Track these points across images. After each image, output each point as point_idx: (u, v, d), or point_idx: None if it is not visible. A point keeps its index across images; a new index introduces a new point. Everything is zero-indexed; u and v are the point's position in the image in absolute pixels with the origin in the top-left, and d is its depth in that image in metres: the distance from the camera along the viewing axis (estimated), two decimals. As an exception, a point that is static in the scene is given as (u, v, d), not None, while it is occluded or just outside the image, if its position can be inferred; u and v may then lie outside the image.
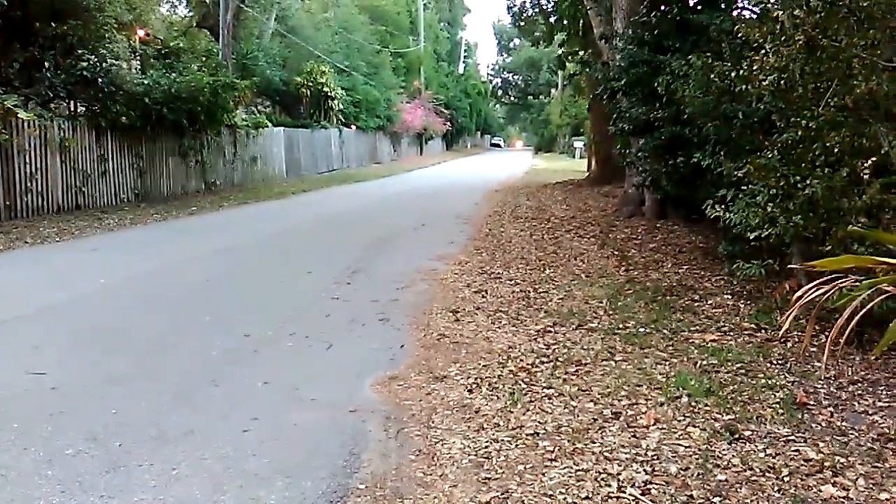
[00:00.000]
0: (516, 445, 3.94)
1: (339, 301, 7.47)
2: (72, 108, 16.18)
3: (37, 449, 3.88)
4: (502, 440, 4.00)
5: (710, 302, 7.21)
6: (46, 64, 15.04)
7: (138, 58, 19.61)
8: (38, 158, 14.14)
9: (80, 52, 15.25)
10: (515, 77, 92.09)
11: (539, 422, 4.25)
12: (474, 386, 4.88)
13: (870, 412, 4.43)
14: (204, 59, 21.80)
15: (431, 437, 4.05)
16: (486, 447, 3.91)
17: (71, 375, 5.13)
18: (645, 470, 3.64)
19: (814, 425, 4.22)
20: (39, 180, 14.20)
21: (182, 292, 8.00)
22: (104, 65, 15.73)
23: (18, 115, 13.39)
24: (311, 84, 30.53)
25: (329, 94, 31.47)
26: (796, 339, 5.78)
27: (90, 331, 6.36)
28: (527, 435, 4.06)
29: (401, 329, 6.38)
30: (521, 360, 5.40)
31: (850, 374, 5.08)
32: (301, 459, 3.80)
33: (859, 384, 4.90)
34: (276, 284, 8.43)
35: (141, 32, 20.76)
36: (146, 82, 16.99)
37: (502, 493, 3.45)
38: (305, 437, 4.09)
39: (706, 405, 4.48)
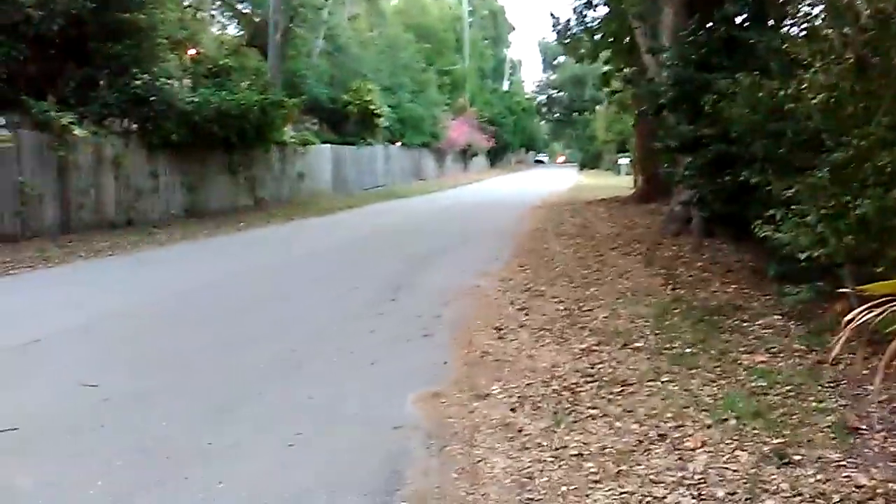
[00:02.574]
0: (560, 466, 3.91)
1: (384, 317, 7.52)
2: (125, 126, 16.58)
3: (88, 460, 3.97)
4: (545, 460, 3.97)
5: (759, 322, 7.07)
6: (101, 82, 15.45)
7: (189, 76, 20.04)
8: (92, 174, 14.54)
9: (133, 70, 15.65)
10: (560, 93, 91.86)
11: (583, 443, 4.21)
12: (517, 405, 4.86)
13: (925, 438, 4.31)
14: (253, 77, 22.23)
15: (474, 456, 4.04)
16: (529, 467, 3.89)
17: (122, 388, 5.23)
18: (692, 494, 3.58)
19: (866, 450, 4.12)
20: (93, 196, 14.60)
21: (229, 306, 8.13)
22: (156, 83, 16.11)
23: (74, 133, 13.79)
24: (357, 102, 30.89)
25: (375, 111, 31.79)
26: (848, 362, 5.63)
27: (141, 344, 6.50)
28: (570, 456, 4.03)
29: (444, 345, 6.39)
30: (566, 380, 5.37)
31: (904, 398, 4.95)
32: (344, 475, 3.82)
33: (913, 409, 4.77)
34: (321, 300, 8.52)
35: (192, 51, 21.24)
36: (197, 100, 17.34)
37: (545, 514, 3.43)
38: (349, 453, 4.11)
39: (755, 428, 4.39)
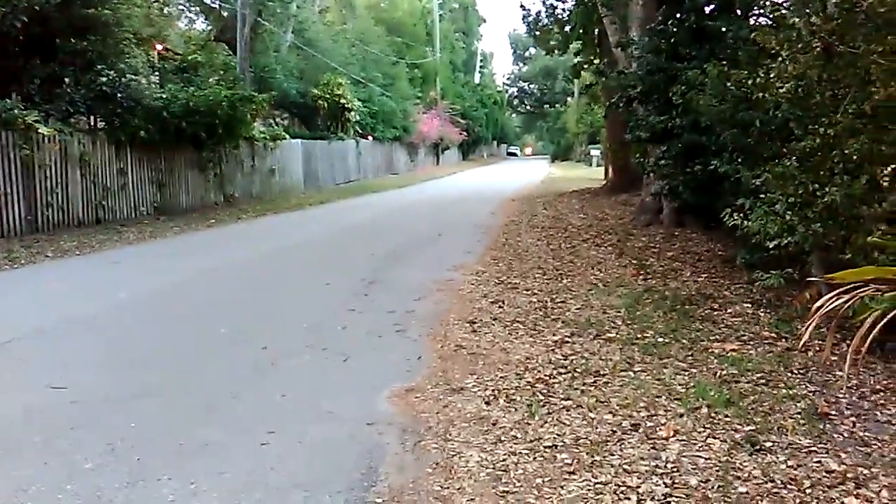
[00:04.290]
0: (534, 458, 3.91)
1: (356, 313, 7.48)
2: (91, 123, 16.35)
3: (57, 463, 3.90)
4: (520, 453, 3.98)
5: (729, 310, 7.15)
6: (66, 79, 15.20)
7: (157, 72, 19.79)
8: (58, 173, 14.30)
9: (99, 67, 15.42)
10: (531, 86, 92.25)
11: (557, 434, 4.22)
12: (491, 398, 4.86)
13: (893, 422, 4.36)
14: (222, 72, 22.01)
15: (448, 450, 4.04)
16: (504, 460, 3.89)
17: (91, 389, 5.16)
18: (665, 482, 3.60)
19: (836, 436, 4.17)
20: (60, 194, 14.36)
21: (201, 305, 8.05)
22: (123, 79, 15.89)
23: (39, 131, 13.55)
24: (328, 96, 30.72)
25: (346, 105, 31.65)
26: (817, 349, 5.71)
27: (110, 344, 6.41)
28: (545, 447, 4.04)
29: (417, 340, 6.37)
30: (539, 372, 5.38)
31: (872, 383, 5.02)
32: (319, 473, 3.79)
33: (882, 393, 4.83)
34: (293, 296, 8.46)
35: (159, 47, 20.97)
36: (165, 96, 17.14)
37: (520, 507, 3.43)
38: (323, 451, 4.09)
39: (726, 416, 4.43)
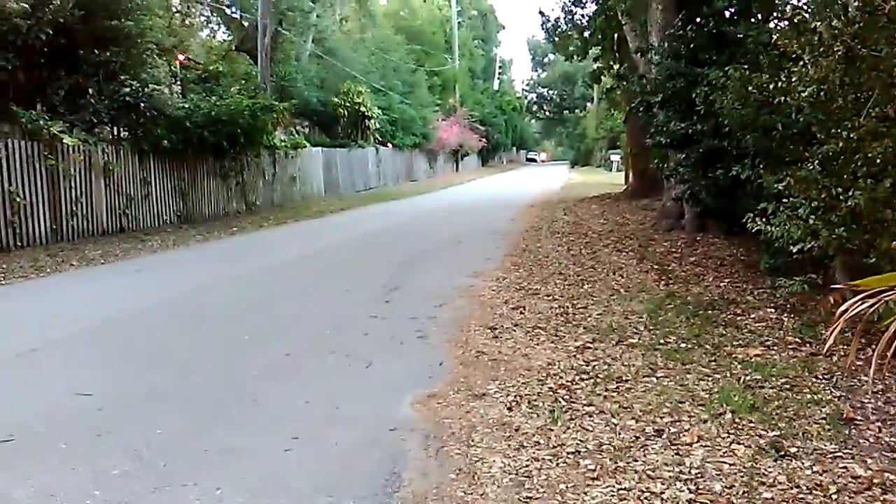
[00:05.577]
0: (557, 464, 3.91)
1: (378, 319, 7.51)
2: (115, 133, 16.52)
3: (84, 469, 3.95)
4: (543, 458, 3.98)
5: (752, 315, 7.10)
6: (90, 90, 15.36)
7: (179, 82, 19.97)
8: (83, 182, 14.47)
9: (122, 77, 15.58)
10: (550, 92, 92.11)
11: (580, 440, 4.22)
12: (514, 403, 4.86)
13: (920, 428, 4.32)
14: (243, 82, 22.20)
15: (471, 456, 4.05)
16: (527, 466, 3.90)
17: (116, 396, 5.22)
18: (689, 488, 3.59)
19: (861, 441, 4.13)
20: (84, 204, 14.52)
21: (224, 311, 8.11)
22: (146, 90, 16.03)
23: (64, 141, 13.73)
24: (348, 104, 30.87)
25: (366, 113, 31.79)
26: (842, 354, 5.66)
27: (135, 351, 6.48)
28: (568, 453, 4.04)
29: (439, 346, 6.39)
30: (561, 377, 5.38)
31: (898, 388, 4.97)
32: (342, 478, 3.82)
33: (908, 399, 4.79)
34: (316, 302, 8.51)
35: (181, 57, 21.19)
36: (187, 106, 17.30)
37: (544, 512, 3.43)
38: (346, 456, 4.11)
39: (751, 421, 4.41)
